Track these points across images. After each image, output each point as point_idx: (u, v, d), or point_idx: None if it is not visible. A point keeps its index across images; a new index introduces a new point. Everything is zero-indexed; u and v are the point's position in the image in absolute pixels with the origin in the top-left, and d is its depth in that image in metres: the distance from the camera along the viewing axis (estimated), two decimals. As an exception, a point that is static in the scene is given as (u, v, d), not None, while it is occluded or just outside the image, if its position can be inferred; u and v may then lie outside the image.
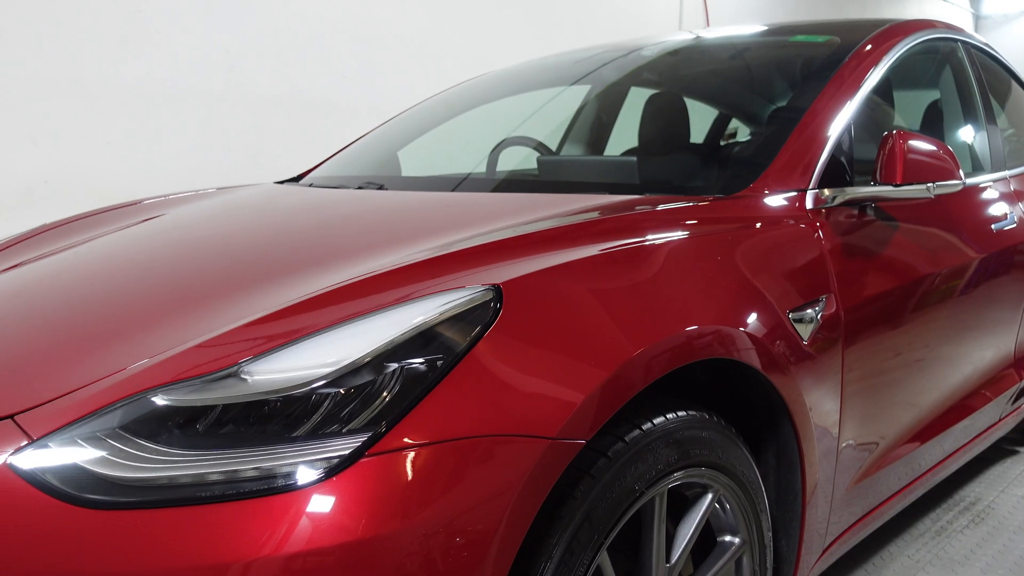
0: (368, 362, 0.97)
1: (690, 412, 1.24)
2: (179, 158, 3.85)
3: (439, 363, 0.97)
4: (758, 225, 1.53)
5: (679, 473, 1.20)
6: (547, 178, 2.47)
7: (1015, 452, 3.19)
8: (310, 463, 0.91)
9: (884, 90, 2.33)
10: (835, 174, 1.77)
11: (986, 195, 2.39)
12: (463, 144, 2.98)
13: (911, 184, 1.72)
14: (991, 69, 2.90)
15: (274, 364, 0.99)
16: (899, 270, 1.82)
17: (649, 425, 1.15)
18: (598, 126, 3.38)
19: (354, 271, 1.18)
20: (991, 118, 2.72)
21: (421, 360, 0.98)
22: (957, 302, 2.05)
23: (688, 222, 1.46)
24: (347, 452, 0.92)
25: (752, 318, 1.33)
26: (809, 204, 1.67)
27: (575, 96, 3.37)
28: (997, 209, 2.39)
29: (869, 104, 2.02)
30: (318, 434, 0.94)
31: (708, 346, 1.23)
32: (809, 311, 1.47)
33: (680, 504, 1.29)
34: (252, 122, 4.11)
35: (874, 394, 1.73)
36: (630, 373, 1.10)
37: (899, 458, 1.92)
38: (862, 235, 1.76)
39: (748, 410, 1.47)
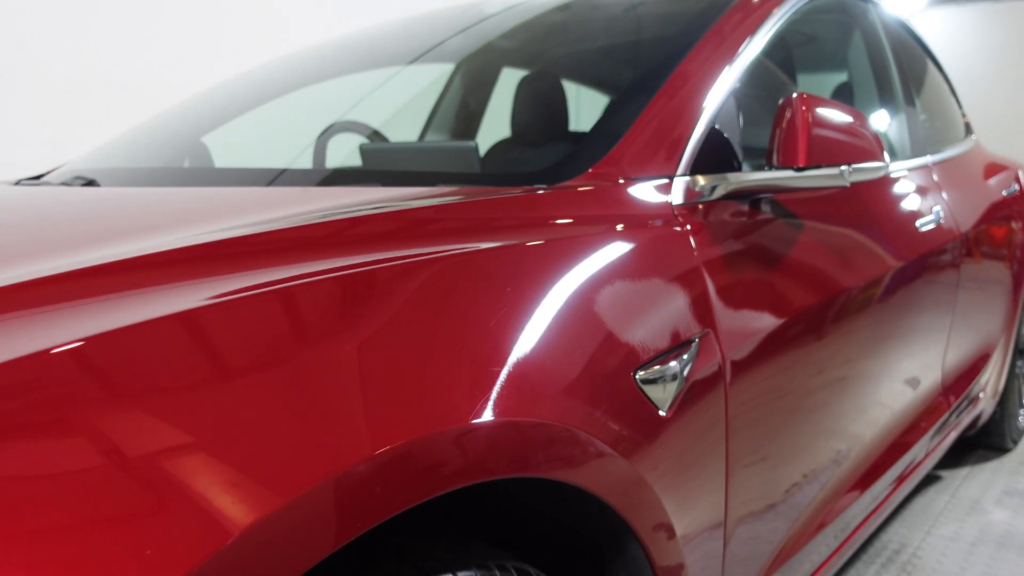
0: None
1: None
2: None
3: None
4: (596, 229, 1.01)
5: None
6: (372, 169, 1.93)
7: (936, 479, 2.80)
8: None
9: (780, 52, 1.87)
10: (717, 158, 1.27)
11: (908, 186, 1.95)
12: (290, 129, 2.40)
13: (819, 168, 1.23)
14: (905, 42, 2.48)
15: None
16: (805, 286, 1.34)
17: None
18: (466, 112, 2.85)
19: None
20: (909, 96, 2.30)
21: None
22: (877, 323, 1.59)
23: (474, 228, 0.91)
24: None
25: (568, 395, 0.80)
26: (678, 198, 1.16)
27: (431, 71, 2.84)
28: (921, 203, 1.95)
29: (760, 69, 1.54)
30: None
31: (480, 461, 0.70)
32: (672, 364, 0.95)
33: None
34: (54, 110, 3.42)
35: (778, 462, 1.23)
36: (309, 522, 0.55)
37: (817, 532, 1.44)
38: (754, 239, 1.26)
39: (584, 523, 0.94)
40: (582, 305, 0.88)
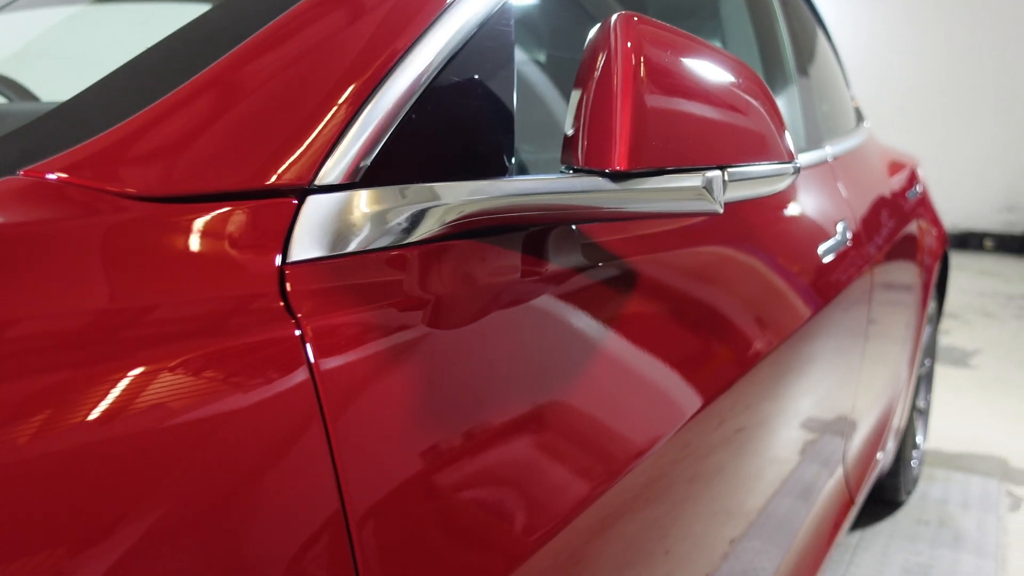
0: None
1: None
2: None
3: None
4: None
5: None
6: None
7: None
8: None
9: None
10: (445, 152, 0.58)
11: (807, 194, 1.32)
12: None
13: (660, 173, 0.56)
14: (793, 4, 1.87)
15: None
16: (637, 426, 0.67)
17: None
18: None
19: None
20: (803, 69, 1.69)
21: None
22: (761, 440, 0.95)
23: None
24: None
25: None
26: (309, 245, 0.46)
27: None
28: (824, 216, 1.33)
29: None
30: None
31: None
32: None
33: None
34: None
35: None
36: None
37: None
38: (520, 328, 0.58)
39: None
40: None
